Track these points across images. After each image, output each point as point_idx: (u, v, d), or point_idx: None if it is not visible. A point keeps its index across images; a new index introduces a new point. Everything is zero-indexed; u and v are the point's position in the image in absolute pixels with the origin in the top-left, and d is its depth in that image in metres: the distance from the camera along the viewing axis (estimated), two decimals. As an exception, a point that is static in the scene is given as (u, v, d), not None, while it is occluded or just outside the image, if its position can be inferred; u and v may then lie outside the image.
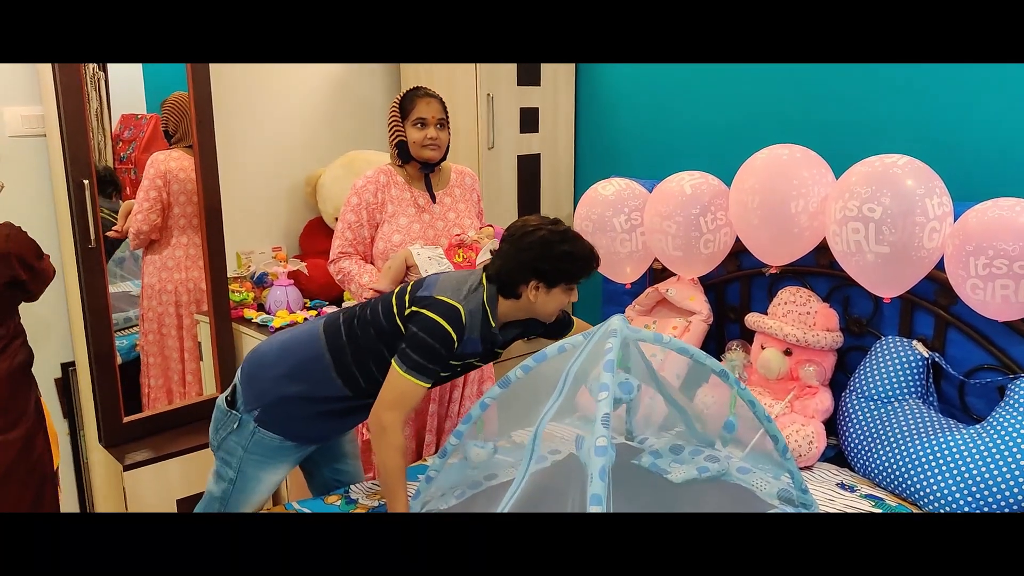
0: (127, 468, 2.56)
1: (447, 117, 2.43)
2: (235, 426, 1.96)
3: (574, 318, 2.32)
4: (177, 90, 2.84)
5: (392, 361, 1.89)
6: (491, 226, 2.57)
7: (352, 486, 2.22)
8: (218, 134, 2.78)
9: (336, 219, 2.62)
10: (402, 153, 2.42)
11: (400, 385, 1.87)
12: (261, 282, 3.14)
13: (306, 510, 2.08)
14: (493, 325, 1.96)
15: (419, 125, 2.37)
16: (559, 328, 2.23)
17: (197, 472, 2.66)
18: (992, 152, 2.40)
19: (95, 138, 2.63)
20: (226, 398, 2.00)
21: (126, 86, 3.05)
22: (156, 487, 2.63)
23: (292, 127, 3.35)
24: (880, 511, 2.13)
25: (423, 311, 1.89)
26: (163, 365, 2.98)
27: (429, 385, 1.89)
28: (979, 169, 2.42)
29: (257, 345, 2.12)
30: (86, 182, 2.47)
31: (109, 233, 2.96)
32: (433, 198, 2.47)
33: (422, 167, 2.44)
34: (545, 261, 1.92)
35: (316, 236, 3.36)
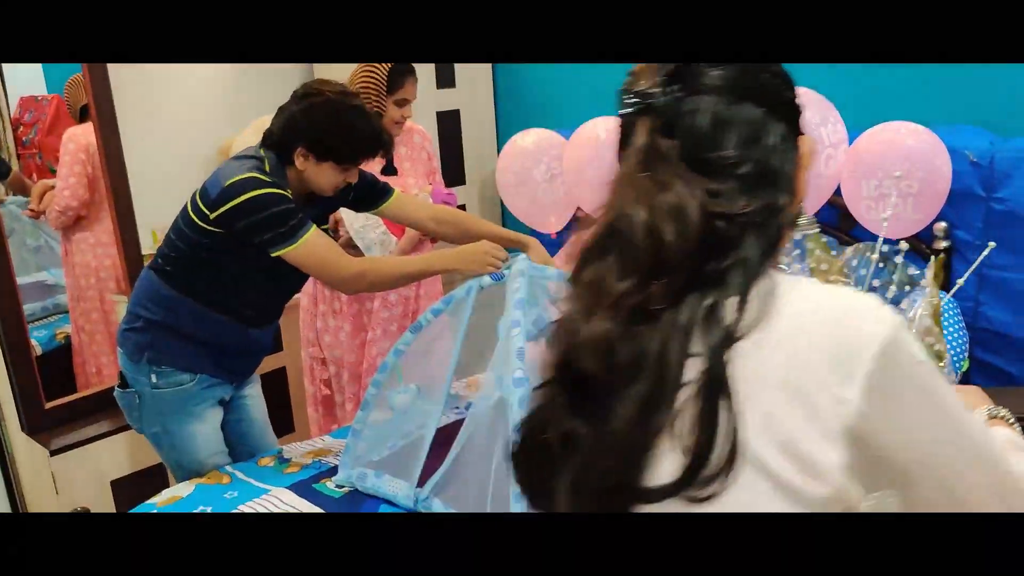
0: (53, 453, 2.51)
1: None
2: (138, 401, 1.95)
3: (402, 192, 2.15)
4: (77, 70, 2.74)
5: (280, 255, 1.75)
6: (430, 184, 2.52)
7: (284, 447, 2.22)
8: (121, 106, 2.69)
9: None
10: None
11: (305, 254, 1.75)
12: (181, 257, 3.09)
13: (239, 473, 2.07)
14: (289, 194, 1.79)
15: (400, 104, 2.38)
16: (373, 196, 2.07)
17: (128, 452, 2.62)
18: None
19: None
20: (118, 386, 2.00)
21: (23, 67, 2.94)
22: (87, 471, 2.57)
23: (198, 94, 3.26)
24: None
25: (231, 204, 1.71)
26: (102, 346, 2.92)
27: (315, 226, 1.78)
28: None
29: None
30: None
31: (24, 212, 2.86)
32: None
33: None
34: (318, 129, 1.76)
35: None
